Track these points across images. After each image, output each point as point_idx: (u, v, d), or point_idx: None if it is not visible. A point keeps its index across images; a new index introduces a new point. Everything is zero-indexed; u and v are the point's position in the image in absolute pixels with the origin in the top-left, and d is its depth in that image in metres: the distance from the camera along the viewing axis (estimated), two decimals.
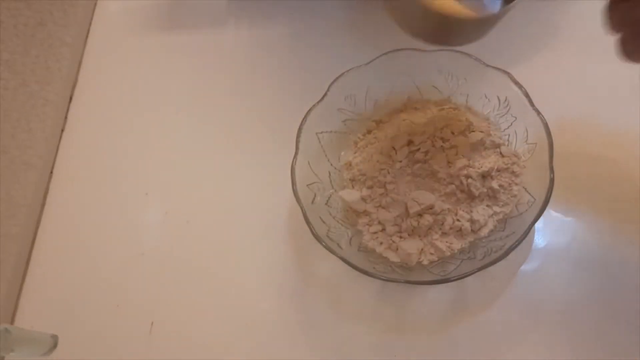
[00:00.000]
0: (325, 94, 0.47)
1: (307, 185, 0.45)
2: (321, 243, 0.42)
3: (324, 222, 0.44)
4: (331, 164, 0.48)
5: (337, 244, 0.43)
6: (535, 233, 0.46)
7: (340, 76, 0.47)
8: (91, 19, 0.64)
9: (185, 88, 0.59)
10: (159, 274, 0.50)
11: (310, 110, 0.46)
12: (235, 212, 0.51)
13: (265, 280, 0.48)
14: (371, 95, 0.49)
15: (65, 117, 0.59)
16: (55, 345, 0.43)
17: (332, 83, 0.47)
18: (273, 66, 0.58)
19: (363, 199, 0.46)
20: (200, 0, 0.63)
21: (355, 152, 0.49)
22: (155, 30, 0.62)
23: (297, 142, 0.45)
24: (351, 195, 0.46)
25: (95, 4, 0.65)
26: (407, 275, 0.43)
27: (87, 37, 0.63)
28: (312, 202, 0.45)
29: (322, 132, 0.48)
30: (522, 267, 0.46)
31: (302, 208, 0.43)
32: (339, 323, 0.46)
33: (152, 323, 0.48)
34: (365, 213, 0.46)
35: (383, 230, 0.45)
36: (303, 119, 0.46)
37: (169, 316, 0.48)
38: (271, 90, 0.57)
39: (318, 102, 0.46)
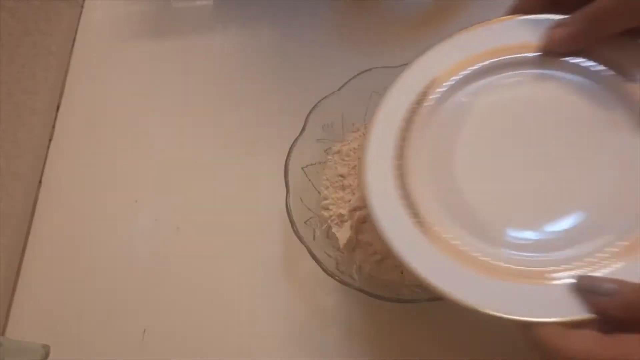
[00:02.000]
0: (304, 128, 0.46)
1: (304, 222, 0.44)
2: (334, 278, 0.41)
3: (330, 256, 0.43)
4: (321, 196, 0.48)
5: (349, 276, 0.42)
6: None
7: (315, 107, 0.47)
8: (77, 27, 0.64)
9: (173, 94, 0.58)
10: (150, 281, 0.50)
11: (292, 146, 0.46)
12: (226, 218, 0.51)
13: (257, 287, 0.48)
14: (347, 119, 0.49)
15: (53, 126, 0.59)
16: (46, 356, 0.43)
17: (309, 114, 0.47)
18: (262, 69, 0.58)
19: (355, 233, 0.45)
20: (186, 6, 0.63)
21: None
22: (142, 37, 0.62)
23: (286, 182, 0.44)
24: (343, 233, 0.45)
25: (81, 12, 0.65)
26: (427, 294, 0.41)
27: (73, 45, 0.63)
28: (314, 238, 0.44)
29: (307, 166, 0.47)
30: None
31: (307, 247, 0.42)
32: (339, 323, 0.46)
33: (144, 331, 0.48)
34: (363, 245, 0.44)
35: (384, 259, 0.44)
36: (287, 156, 0.45)
37: (161, 324, 0.48)
38: (261, 94, 0.56)
39: (298, 137, 0.46)
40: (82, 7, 0.65)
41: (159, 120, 0.57)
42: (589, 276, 0.31)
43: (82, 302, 0.50)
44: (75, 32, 0.64)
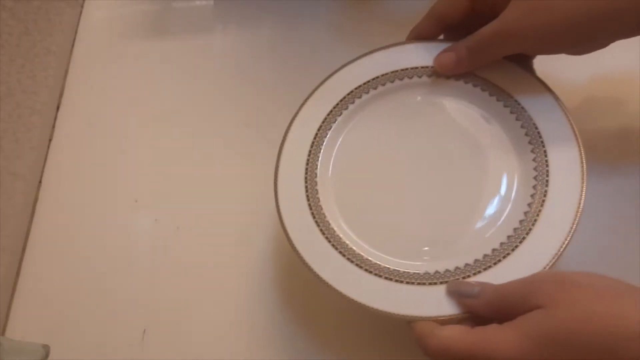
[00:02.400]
0: None
1: None
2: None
3: None
4: None
5: None
6: None
7: None
8: (77, 26, 0.64)
9: (173, 94, 0.58)
10: (150, 281, 0.50)
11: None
12: (226, 218, 0.51)
13: (258, 287, 0.48)
14: None
15: (53, 126, 0.59)
16: (46, 356, 0.43)
17: None
18: (262, 69, 0.58)
19: None
20: (186, 6, 0.63)
21: None
22: (142, 37, 0.62)
23: None
24: None
25: (81, 12, 0.65)
26: None
27: (73, 45, 0.63)
28: None
29: None
30: None
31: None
32: (340, 333, 0.46)
33: (145, 331, 0.48)
34: None
35: None
36: None
37: (161, 324, 0.48)
38: (261, 94, 0.57)
39: None
40: (82, 7, 0.65)
41: (158, 120, 0.57)
42: (457, 281, 0.36)
43: (82, 302, 0.50)
44: (75, 32, 0.64)
